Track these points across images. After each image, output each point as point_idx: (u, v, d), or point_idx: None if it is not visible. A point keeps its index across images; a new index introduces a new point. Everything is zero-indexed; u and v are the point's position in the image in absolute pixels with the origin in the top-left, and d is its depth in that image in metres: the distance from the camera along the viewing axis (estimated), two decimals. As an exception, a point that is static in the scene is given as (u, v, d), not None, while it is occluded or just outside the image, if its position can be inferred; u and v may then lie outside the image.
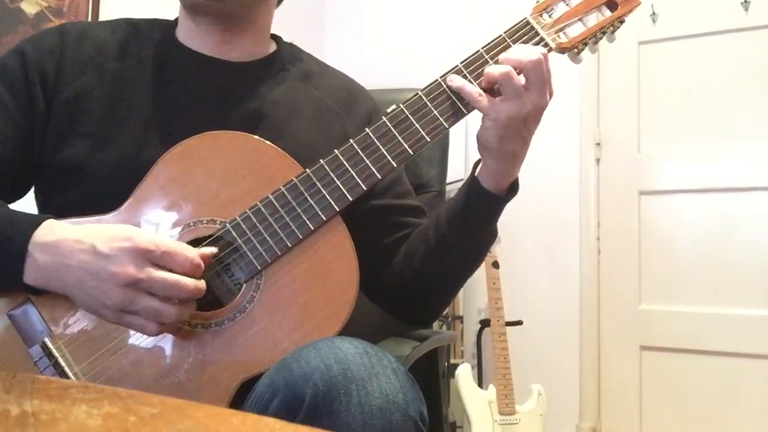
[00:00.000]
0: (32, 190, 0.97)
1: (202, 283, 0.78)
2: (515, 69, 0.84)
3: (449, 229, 0.93)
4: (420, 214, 1.05)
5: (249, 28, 0.99)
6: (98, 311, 0.77)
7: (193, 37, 0.99)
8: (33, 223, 0.79)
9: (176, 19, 1.02)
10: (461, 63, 0.87)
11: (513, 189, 0.92)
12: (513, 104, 0.84)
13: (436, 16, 2.88)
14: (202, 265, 0.79)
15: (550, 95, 0.86)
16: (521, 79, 0.84)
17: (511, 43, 0.87)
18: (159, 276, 0.75)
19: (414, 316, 1.06)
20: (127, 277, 0.74)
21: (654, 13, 2.51)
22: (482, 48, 0.88)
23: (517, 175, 0.91)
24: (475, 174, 0.91)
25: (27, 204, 0.94)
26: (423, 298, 1.02)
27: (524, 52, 0.84)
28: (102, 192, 0.87)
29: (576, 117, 2.62)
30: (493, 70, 0.84)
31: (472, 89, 0.85)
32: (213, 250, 0.81)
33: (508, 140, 0.86)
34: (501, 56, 0.85)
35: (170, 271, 0.76)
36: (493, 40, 0.88)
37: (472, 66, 0.87)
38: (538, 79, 0.84)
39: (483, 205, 0.91)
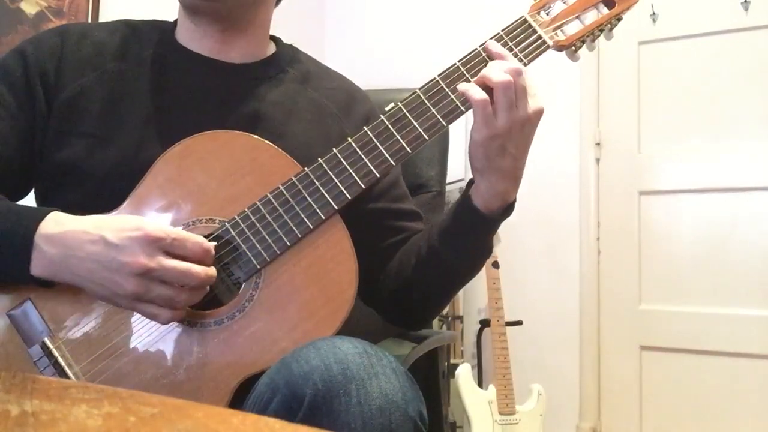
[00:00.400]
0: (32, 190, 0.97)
1: (212, 270, 0.79)
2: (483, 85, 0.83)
3: (439, 243, 0.93)
4: (415, 218, 1.05)
5: (248, 29, 0.99)
6: (112, 300, 0.78)
7: (192, 38, 0.99)
8: (38, 215, 0.80)
9: (176, 21, 1.02)
10: (459, 61, 0.87)
11: (506, 210, 0.91)
12: (501, 117, 0.83)
13: (435, 16, 2.88)
14: (212, 251, 0.79)
15: (537, 112, 0.85)
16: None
17: (508, 41, 0.88)
18: (170, 264, 0.76)
19: (404, 321, 1.08)
20: (140, 266, 0.75)
21: (654, 13, 2.51)
22: (480, 46, 0.88)
23: (511, 198, 0.90)
24: (469, 191, 0.91)
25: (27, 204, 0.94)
26: (413, 305, 1.02)
27: (494, 70, 0.83)
28: (101, 192, 0.88)
29: (576, 117, 2.62)
30: (491, 75, 0.83)
31: (476, 94, 0.83)
32: (213, 244, 0.82)
33: (494, 156, 0.85)
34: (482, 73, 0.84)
35: (181, 258, 0.77)
36: (490, 39, 0.88)
37: (470, 64, 0.87)
38: (519, 92, 0.82)
39: (472, 223, 0.91)
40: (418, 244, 0.97)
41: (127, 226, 0.77)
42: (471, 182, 0.91)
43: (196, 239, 0.78)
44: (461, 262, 0.96)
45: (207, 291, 0.80)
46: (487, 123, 0.83)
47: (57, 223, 0.79)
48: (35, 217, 0.80)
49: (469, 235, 0.93)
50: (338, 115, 1.02)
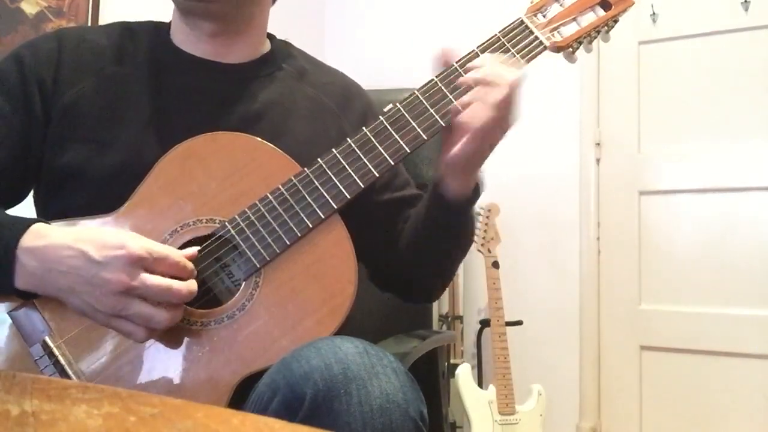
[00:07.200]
0: (31, 194, 0.97)
1: (193, 285, 0.78)
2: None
3: (429, 233, 0.96)
4: (420, 201, 1.07)
5: (244, 30, 0.99)
6: (90, 314, 0.77)
7: (187, 39, 0.99)
8: (19, 228, 0.79)
9: (170, 22, 1.02)
10: (457, 62, 0.88)
11: (477, 190, 0.94)
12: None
13: (435, 17, 2.88)
14: (194, 268, 0.79)
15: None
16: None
17: (505, 42, 0.88)
18: (152, 282, 0.75)
19: (424, 297, 1.13)
20: (122, 284, 0.74)
21: (654, 13, 2.51)
22: (477, 47, 0.89)
23: (479, 177, 0.94)
24: (438, 191, 0.92)
25: (27, 209, 0.94)
26: (428, 281, 1.06)
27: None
28: (103, 196, 0.87)
29: (576, 117, 2.62)
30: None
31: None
32: (195, 249, 0.82)
33: (482, 160, 0.89)
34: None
35: (162, 275, 0.77)
36: (488, 40, 0.89)
37: (467, 66, 0.88)
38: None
39: (453, 214, 0.94)
40: (415, 230, 0.99)
41: (109, 243, 0.76)
42: (434, 187, 0.93)
43: (178, 257, 0.78)
44: (455, 240, 1.00)
45: (182, 310, 0.80)
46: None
47: (38, 236, 0.79)
48: (17, 229, 0.79)
49: (455, 221, 0.96)
50: (336, 111, 1.02)
